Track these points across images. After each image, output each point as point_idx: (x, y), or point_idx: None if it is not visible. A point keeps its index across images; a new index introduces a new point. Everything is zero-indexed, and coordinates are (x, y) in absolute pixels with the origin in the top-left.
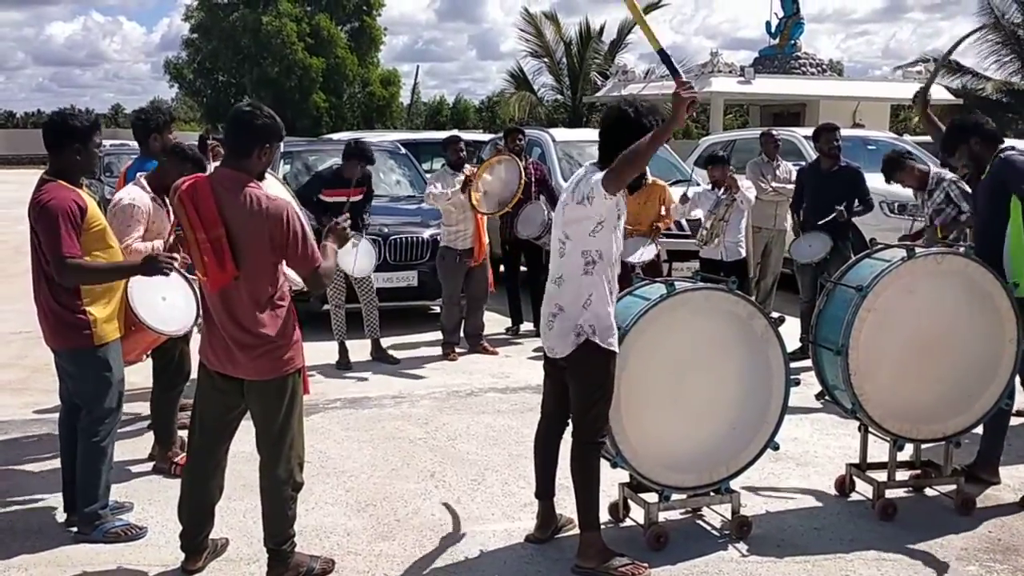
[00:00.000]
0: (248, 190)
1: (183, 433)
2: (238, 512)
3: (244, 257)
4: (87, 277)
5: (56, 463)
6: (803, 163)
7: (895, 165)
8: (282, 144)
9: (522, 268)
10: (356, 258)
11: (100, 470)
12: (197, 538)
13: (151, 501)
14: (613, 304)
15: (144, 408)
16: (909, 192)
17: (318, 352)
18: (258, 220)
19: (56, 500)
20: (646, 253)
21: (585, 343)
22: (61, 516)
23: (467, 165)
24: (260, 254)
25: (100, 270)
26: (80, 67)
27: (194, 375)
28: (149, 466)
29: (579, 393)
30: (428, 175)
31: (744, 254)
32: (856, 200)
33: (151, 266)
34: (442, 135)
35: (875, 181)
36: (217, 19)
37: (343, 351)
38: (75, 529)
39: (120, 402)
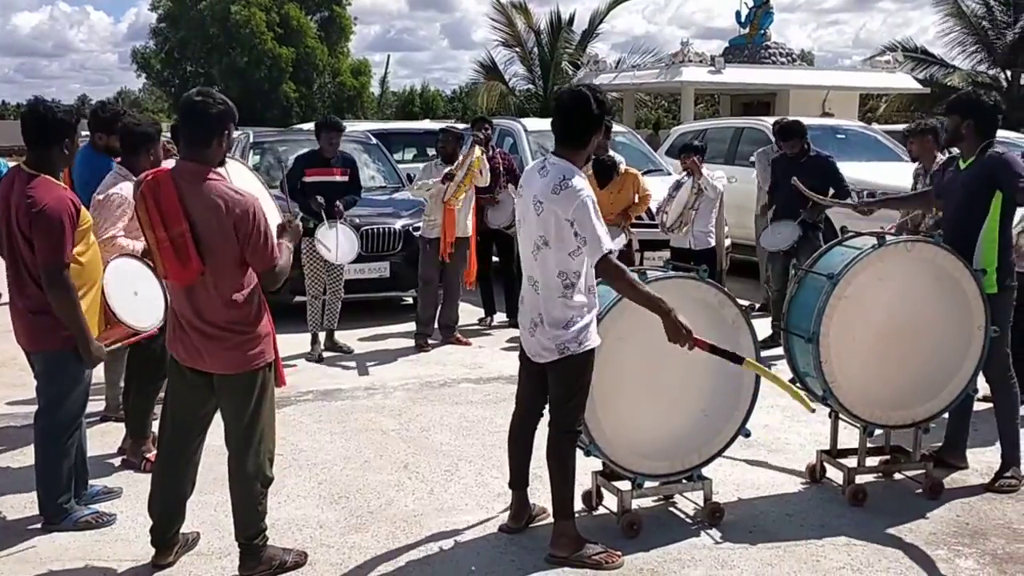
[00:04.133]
0: (211, 183)
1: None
2: (209, 506)
3: (210, 251)
4: (64, 302)
5: (22, 459)
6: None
7: (922, 131)
8: (252, 134)
9: (494, 258)
10: (338, 245)
11: (63, 466)
12: (168, 533)
13: (121, 495)
14: (593, 299)
15: (103, 404)
16: (879, 180)
17: (289, 344)
18: (223, 213)
19: (22, 496)
20: (617, 242)
21: (566, 357)
22: (27, 512)
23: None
24: (226, 247)
25: (74, 309)
26: (46, 57)
27: None
28: (118, 460)
29: (559, 388)
30: (401, 166)
31: (713, 243)
32: (830, 189)
33: (92, 358)
34: (414, 125)
35: (846, 170)
36: (185, 8)
37: (316, 342)
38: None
39: (86, 403)
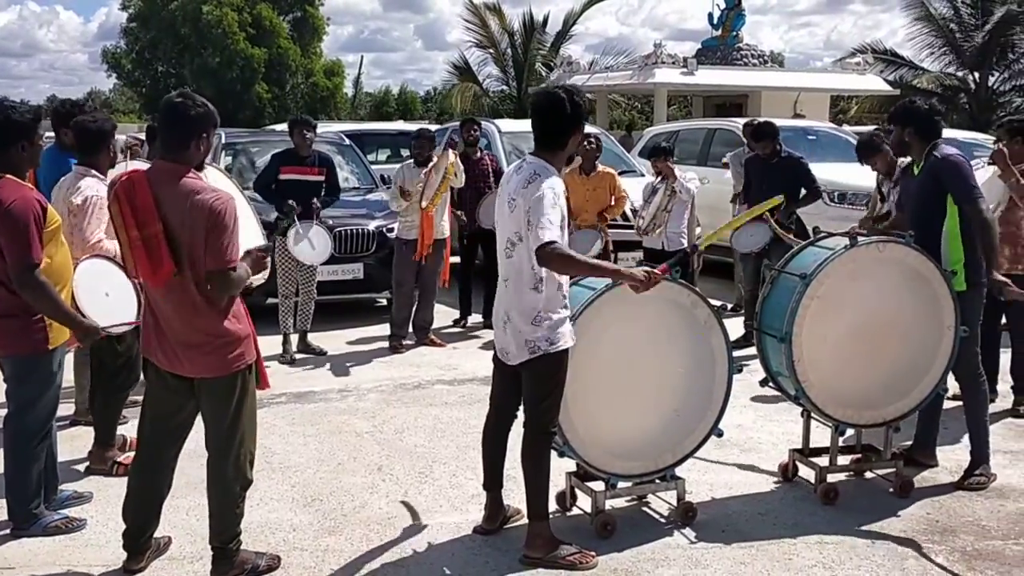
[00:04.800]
0: (187, 181)
1: (125, 431)
2: (181, 510)
3: (186, 252)
4: (41, 299)
5: None
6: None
7: (872, 148)
8: (223, 135)
9: (476, 261)
10: (312, 245)
11: (32, 470)
12: (142, 537)
13: (92, 500)
14: (566, 299)
15: (71, 407)
16: (849, 181)
17: (261, 345)
18: (198, 212)
19: None
20: (595, 247)
21: (539, 357)
22: None
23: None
24: (202, 247)
25: (55, 303)
26: (15, 58)
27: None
28: (84, 466)
29: (532, 388)
30: (374, 167)
31: (685, 244)
32: (802, 189)
33: (87, 338)
34: (387, 126)
35: (817, 171)
36: (156, 8)
37: (287, 343)
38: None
39: (56, 407)
